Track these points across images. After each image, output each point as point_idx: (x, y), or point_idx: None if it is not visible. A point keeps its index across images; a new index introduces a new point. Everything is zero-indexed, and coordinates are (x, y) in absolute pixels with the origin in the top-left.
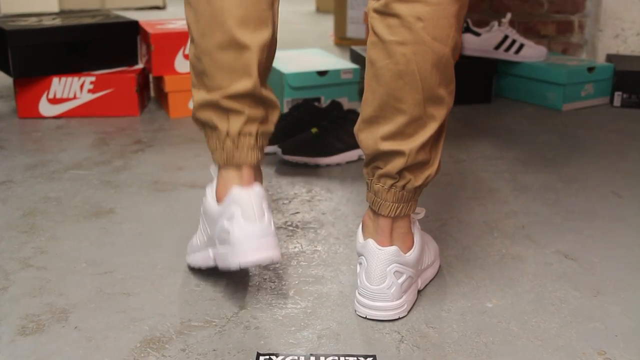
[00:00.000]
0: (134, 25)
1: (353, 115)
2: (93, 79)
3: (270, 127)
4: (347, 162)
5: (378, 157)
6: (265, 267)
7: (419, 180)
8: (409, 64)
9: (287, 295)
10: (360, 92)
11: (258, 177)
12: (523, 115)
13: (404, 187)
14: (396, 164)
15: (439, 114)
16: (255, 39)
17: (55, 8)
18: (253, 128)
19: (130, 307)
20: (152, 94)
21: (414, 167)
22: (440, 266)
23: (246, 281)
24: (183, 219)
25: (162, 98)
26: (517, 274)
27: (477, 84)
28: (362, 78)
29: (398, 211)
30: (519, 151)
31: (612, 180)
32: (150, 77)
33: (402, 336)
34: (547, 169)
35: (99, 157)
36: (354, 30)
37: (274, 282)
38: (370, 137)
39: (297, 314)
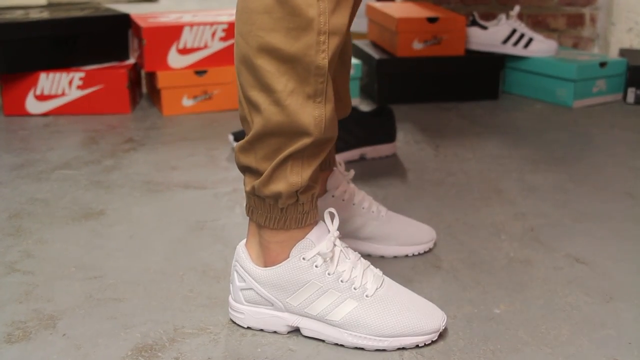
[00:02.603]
0: (125, 19)
1: (355, 113)
2: (82, 74)
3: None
4: (348, 162)
5: None
6: None
7: (247, 185)
8: (235, 56)
9: None
10: (363, 88)
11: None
12: (532, 112)
13: (246, 188)
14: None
15: (255, 120)
16: None
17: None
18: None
19: (121, 313)
20: (144, 90)
21: (243, 169)
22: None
23: None
24: (176, 221)
25: (154, 95)
26: (526, 279)
27: (483, 79)
28: (365, 74)
29: (249, 213)
30: (527, 150)
31: (625, 180)
32: (142, 72)
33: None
34: (557, 169)
35: (88, 156)
36: (355, 24)
37: None
38: None
39: None
